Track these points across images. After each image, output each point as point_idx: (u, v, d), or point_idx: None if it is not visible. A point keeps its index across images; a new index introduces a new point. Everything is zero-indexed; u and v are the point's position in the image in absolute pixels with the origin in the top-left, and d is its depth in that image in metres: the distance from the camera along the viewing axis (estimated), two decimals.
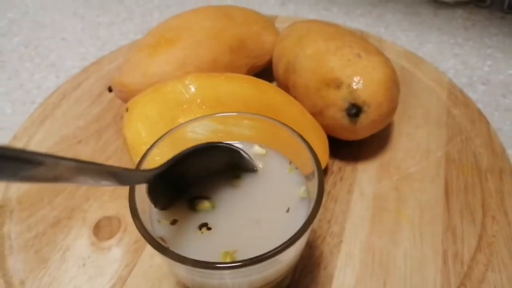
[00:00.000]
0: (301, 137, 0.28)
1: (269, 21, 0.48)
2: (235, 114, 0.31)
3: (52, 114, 0.48)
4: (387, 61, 0.38)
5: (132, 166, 0.40)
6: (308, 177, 0.29)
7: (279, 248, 0.22)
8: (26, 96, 0.54)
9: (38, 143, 0.45)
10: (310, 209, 0.23)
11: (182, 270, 0.24)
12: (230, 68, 0.43)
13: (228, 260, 0.24)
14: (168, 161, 0.27)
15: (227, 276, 0.23)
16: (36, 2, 0.72)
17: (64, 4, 0.72)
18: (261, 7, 0.69)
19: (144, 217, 0.25)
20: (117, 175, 0.22)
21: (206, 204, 0.28)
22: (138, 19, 0.68)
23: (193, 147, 0.28)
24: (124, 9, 0.70)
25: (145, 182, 0.25)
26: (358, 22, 0.66)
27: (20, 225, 0.37)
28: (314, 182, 0.26)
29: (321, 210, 0.37)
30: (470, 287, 0.32)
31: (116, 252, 0.35)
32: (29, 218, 0.38)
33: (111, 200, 0.39)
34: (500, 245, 0.35)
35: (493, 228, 0.36)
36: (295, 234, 0.22)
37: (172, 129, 0.30)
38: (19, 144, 0.44)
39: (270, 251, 0.21)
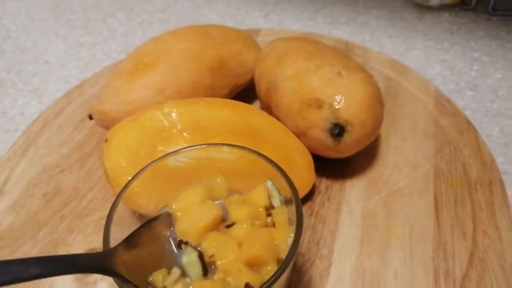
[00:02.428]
0: (279, 168, 0.27)
1: (249, 38, 0.47)
2: (213, 146, 0.30)
3: (34, 143, 0.47)
4: (369, 78, 0.37)
5: (114, 197, 0.40)
6: (288, 201, 0.29)
7: None
8: (9, 124, 0.53)
9: (20, 174, 0.44)
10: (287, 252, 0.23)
11: None
12: (212, 89, 0.43)
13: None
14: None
15: None
16: (18, 25, 0.72)
17: (45, 26, 0.71)
18: (244, 19, 0.69)
19: None
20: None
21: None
22: (121, 38, 0.67)
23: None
24: (107, 28, 0.70)
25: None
26: (343, 30, 0.65)
27: None
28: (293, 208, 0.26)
29: (309, 232, 0.36)
30: None
31: (101, 287, 0.34)
32: (9, 256, 0.37)
33: (95, 232, 0.38)
34: (492, 261, 0.34)
35: (485, 243, 0.35)
36: (274, 275, 0.21)
37: (150, 163, 0.30)
38: (1, 176, 0.44)
39: None
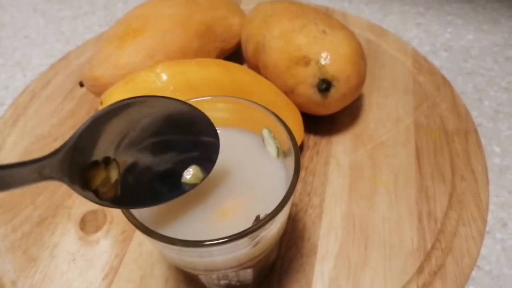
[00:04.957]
0: (275, 115, 0.29)
1: (234, 4, 0.48)
2: (209, 98, 0.31)
3: (24, 114, 0.48)
4: (352, 35, 0.39)
5: None
6: (285, 153, 0.30)
7: (261, 223, 0.23)
8: None
9: (13, 145, 0.44)
10: (288, 183, 0.24)
11: (173, 252, 0.25)
12: (200, 53, 0.44)
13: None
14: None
15: (216, 253, 0.24)
16: None
17: (22, 0, 0.70)
18: None
19: None
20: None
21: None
22: (102, 11, 0.67)
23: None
24: (86, 2, 0.69)
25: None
26: None
27: (5, 227, 0.37)
28: (291, 158, 0.28)
29: (300, 184, 0.38)
30: (444, 242, 0.35)
31: (104, 244, 0.36)
32: (12, 220, 0.38)
33: None
34: (469, 201, 0.37)
35: (462, 186, 0.38)
36: (275, 208, 0.23)
37: None
38: None
39: (253, 226, 0.23)
